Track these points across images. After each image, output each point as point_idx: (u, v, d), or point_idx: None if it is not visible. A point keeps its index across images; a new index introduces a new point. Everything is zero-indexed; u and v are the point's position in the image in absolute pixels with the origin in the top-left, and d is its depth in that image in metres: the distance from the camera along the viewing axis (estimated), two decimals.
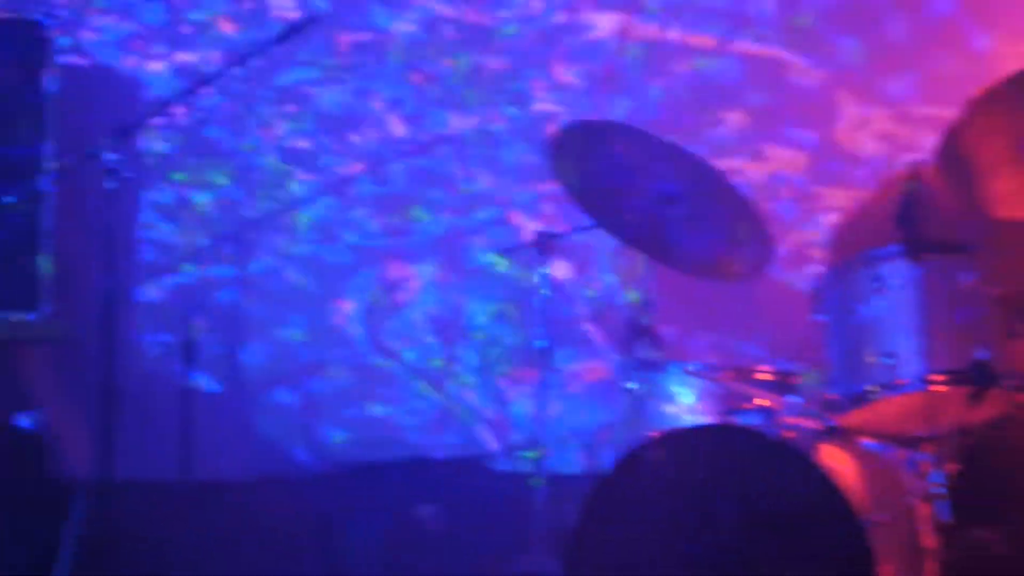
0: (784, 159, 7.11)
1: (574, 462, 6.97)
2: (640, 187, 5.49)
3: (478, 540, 6.47)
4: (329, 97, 7.17)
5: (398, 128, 7.21)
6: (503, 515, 6.39)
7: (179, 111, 6.92)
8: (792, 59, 7.17)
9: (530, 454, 5.65)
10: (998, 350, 4.88)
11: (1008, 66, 5.64)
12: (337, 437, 7.08)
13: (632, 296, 6.33)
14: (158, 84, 7.01)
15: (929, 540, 4.89)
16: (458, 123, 7.17)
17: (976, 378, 4.80)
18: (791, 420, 5.12)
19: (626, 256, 6.69)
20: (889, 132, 6.99)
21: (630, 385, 5.42)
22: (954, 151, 5.11)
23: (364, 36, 7.19)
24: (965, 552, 5.36)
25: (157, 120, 6.67)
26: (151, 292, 7.05)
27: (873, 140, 7.06)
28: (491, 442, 6.93)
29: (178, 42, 7.08)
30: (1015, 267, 5.50)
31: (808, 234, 6.92)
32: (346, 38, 7.17)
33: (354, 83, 7.18)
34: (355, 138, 7.19)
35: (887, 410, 4.93)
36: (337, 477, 6.90)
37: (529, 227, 6.74)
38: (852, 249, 5.84)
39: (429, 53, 7.18)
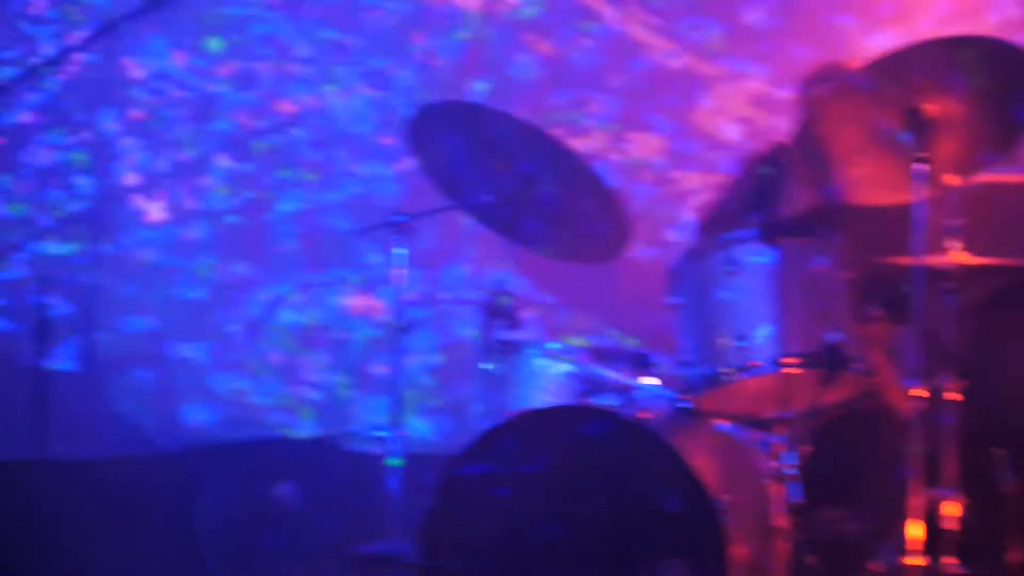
0: (643, 142, 7.15)
1: (431, 443, 6.97)
2: (499, 169, 5.48)
3: (334, 520, 6.44)
4: (186, 75, 7.11)
5: (257, 107, 7.16)
6: (359, 495, 6.37)
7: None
8: (653, 42, 7.21)
9: (387, 435, 5.62)
10: (850, 334, 4.94)
11: (865, 52, 5.73)
12: (194, 416, 7.02)
13: (491, 277, 6.35)
14: None
15: (781, 521, 4.94)
16: (317, 101, 7.13)
17: (828, 361, 4.85)
18: (647, 401, 5.14)
19: (485, 237, 6.69)
20: (747, 116, 7.05)
21: (488, 366, 5.42)
22: (810, 137, 5.16)
23: (224, 11, 7.14)
24: (816, 532, 5.43)
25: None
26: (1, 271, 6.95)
27: (731, 124, 7.12)
28: (348, 422, 6.91)
29: None
30: (868, 252, 5.58)
31: (666, 217, 6.97)
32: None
33: (212, 61, 7.12)
34: (212, 118, 7.13)
35: (741, 392, 4.97)
36: (193, 456, 6.85)
37: (388, 207, 6.72)
38: (708, 232, 5.90)
39: (291, 31, 7.14)
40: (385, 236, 5.62)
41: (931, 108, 4.98)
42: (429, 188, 5.71)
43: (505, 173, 5.48)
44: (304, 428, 7.09)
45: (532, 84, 7.18)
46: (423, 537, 4.98)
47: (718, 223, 5.88)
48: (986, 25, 6.87)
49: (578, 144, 5.88)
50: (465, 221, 6.29)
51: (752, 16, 7.11)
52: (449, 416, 7.08)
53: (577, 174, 5.44)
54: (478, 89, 7.09)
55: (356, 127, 7.18)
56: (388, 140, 7.07)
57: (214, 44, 7.21)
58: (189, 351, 7.08)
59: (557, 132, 5.67)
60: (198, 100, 7.17)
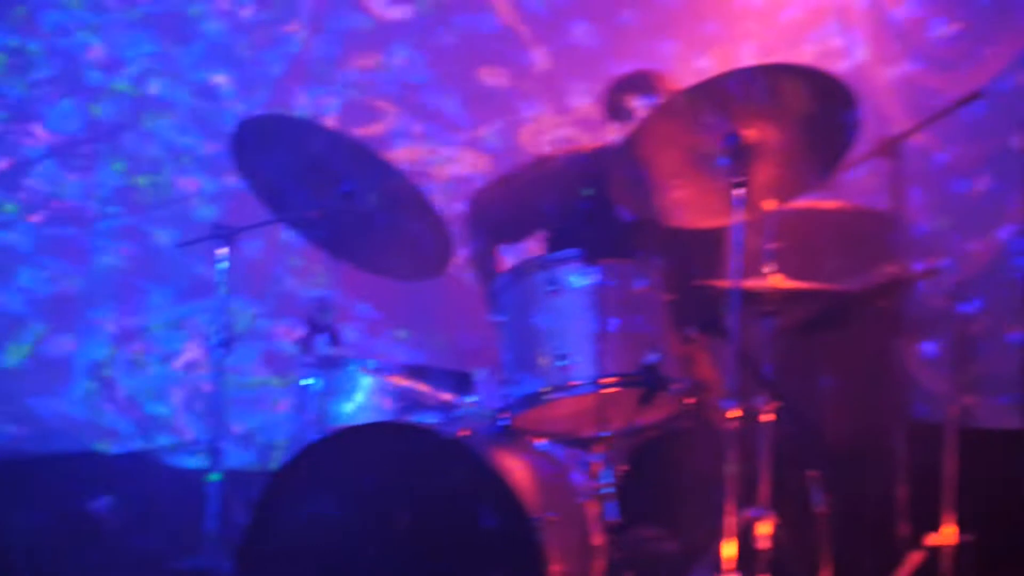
0: (467, 161, 7.18)
1: (249, 458, 6.92)
2: (323, 184, 5.46)
3: (150, 536, 6.37)
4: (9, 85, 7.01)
5: (83, 117, 7.08)
6: (176, 511, 6.31)
7: None
8: (480, 64, 7.26)
9: (206, 450, 5.57)
10: (668, 354, 4.99)
11: (688, 76, 5.80)
12: (6, 429, 6.91)
13: (313, 292, 6.33)
14: None
15: (598, 539, 4.98)
16: (145, 113, 7.07)
17: (646, 381, 4.90)
18: (466, 419, 5.16)
19: (309, 252, 6.68)
20: (570, 136, 7.11)
21: (308, 382, 5.40)
22: (631, 159, 5.20)
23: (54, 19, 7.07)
24: (633, 550, 5.49)
25: None
26: None
27: (553, 144, 7.19)
28: (166, 437, 6.83)
29: None
30: (687, 274, 5.65)
31: None
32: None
33: (39, 72, 7.03)
34: (36, 125, 7.04)
35: (560, 411, 5.00)
36: (5, 469, 6.73)
37: (211, 220, 6.68)
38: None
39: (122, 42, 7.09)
40: (208, 249, 5.58)
41: (749, 133, 5.05)
42: (253, 202, 5.67)
43: (329, 188, 5.46)
44: (122, 443, 7.00)
45: (358, 99, 7.18)
46: (240, 553, 4.94)
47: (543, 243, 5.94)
48: (806, 54, 7.01)
49: (402, 161, 5.88)
50: (288, 235, 6.25)
51: (578, 37, 7.18)
52: (268, 432, 7.04)
53: (401, 191, 5.43)
54: (303, 103, 7.08)
55: (181, 139, 7.12)
56: (212, 152, 7.03)
57: (32, 47, 7.12)
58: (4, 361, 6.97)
59: (381, 149, 5.67)
60: (15, 103, 7.08)
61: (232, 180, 6.42)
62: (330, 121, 6.99)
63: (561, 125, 7.19)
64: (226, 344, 5.57)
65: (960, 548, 5.55)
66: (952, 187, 6.76)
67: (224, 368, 5.58)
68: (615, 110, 6.01)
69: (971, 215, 6.74)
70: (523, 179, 6.20)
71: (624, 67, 6.72)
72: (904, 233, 6.11)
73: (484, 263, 5.97)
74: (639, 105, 5.91)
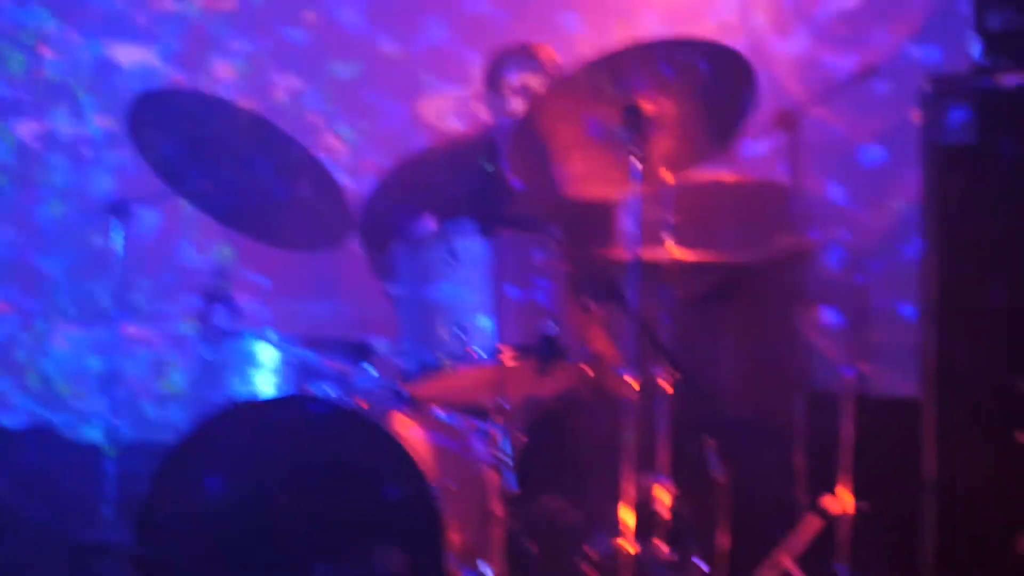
0: (368, 132, 7.17)
1: (148, 431, 6.89)
2: (221, 157, 5.43)
3: (49, 510, 6.32)
4: None
5: None
6: (76, 485, 6.27)
7: None
8: (380, 33, 7.23)
9: (104, 423, 5.54)
10: (567, 325, 5.01)
11: (590, 49, 5.83)
12: None
13: (211, 265, 6.30)
14: None
15: (497, 508, 5.00)
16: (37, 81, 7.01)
17: (544, 351, 4.91)
18: (365, 390, 5.16)
19: (206, 225, 6.64)
20: (471, 110, 7.10)
21: (206, 353, 5.38)
22: (530, 132, 5.21)
23: None
24: (532, 519, 5.51)
25: None
26: None
27: (456, 118, 7.18)
28: (64, 410, 6.78)
29: None
30: (585, 245, 5.67)
31: None
32: None
33: None
34: None
35: (459, 381, 5.01)
36: None
37: (109, 191, 6.64)
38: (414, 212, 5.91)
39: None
40: (104, 222, 5.53)
41: (648, 106, 5.08)
42: (149, 174, 5.62)
43: (226, 160, 5.43)
44: (20, 417, 6.94)
45: (256, 71, 7.14)
46: (139, 526, 4.91)
47: (440, 214, 5.93)
48: (705, 28, 7.04)
49: (301, 133, 5.84)
50: (186, 208, 6.21)
51: (480, 6, 7.17)
52: (167, 404, 7.00)
53: (299, 163, 5.41)
54: (202, 75, 7.04)
55: (76, 110, 7.06)
56: (108, 125, 6.98)
57: None
58: None
59: (280, 121, 5.64)
60: None
61: (128, 153, 6.36)
62: (228, 93, 6.94)
63: (460, 99, 7.18)
64: (123, 318, 5.53)
65: (856, 515, 5.62)
66: (850, 160, 6.83)
67: (122, 342, 5.55)
68: (495, 84, 6.06)
69: (868, 187, 6.81)
70: (425, 156, 6.21)
71: (527, 39, 6.75)
72: (802, 205, 6.16)
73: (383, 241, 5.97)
74: (519, 79, 5.95)
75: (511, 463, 5.03)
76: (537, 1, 7.14)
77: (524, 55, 6.03)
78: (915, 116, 5.38)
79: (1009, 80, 5.29)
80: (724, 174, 6.36)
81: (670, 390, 5.38)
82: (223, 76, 7.14)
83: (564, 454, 5.69)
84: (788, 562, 5.65)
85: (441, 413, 5.25)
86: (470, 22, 7.17)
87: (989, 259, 5.29)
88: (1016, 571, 4.90)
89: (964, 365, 5.30)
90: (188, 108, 5.39)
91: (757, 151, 6.62)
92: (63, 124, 7.09)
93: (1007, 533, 4.96)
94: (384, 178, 6.13)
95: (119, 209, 5.50)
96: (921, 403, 5.33)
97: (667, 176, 5.29)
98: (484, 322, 4.92)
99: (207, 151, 5.41)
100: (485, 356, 4.88)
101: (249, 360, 5.35)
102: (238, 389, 5.29)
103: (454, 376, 4.95)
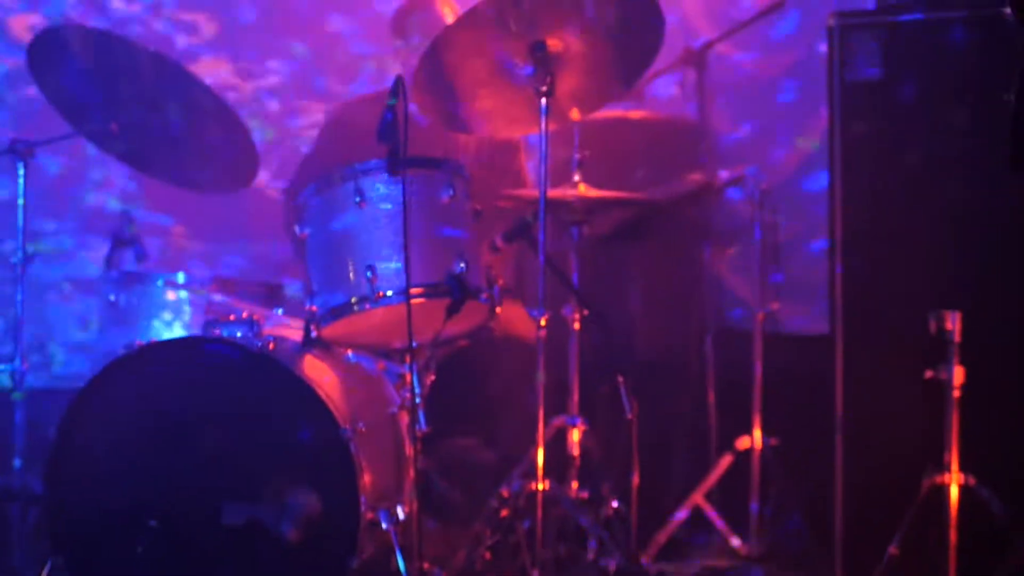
0: (274, 71, 7.11)
1: (57, 376, 6.83)
2: (125, 96, 5.37)
3: None
4: None
5: None
6: None
7: None
8: None
9: (11, 368, 5.47)
10: (475, 264, 4.99)
11: None
12: None
13: (117, 206, 6.23)
14: None
15: (409, 449, 4.99)
16: None
17: (453, 291, 4.89)
18: (274, 331, 5.12)
19: (112, 166, 6.57)
20: (377, 52, 7.06)
21: (115, 297, 5.33)
22: (436, 69, 5.18)
23: None
24: (445, 460, 5.53)
25: None
26: None
27: (367, 61, 7.13)
28: None
29: None
30: (493, 183, 5.66)
31: (296, 147, 6.94)
32: None
33: None
34: None
35: (368, 322, 4.98)
36: None
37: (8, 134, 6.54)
38: (328, 158, 5.89)
39: None
40: (5, 164, 5.46)
41: (554, 43, 5.06)
42: (52, 114, 5.55)
43: (131, 101, 5.36)
44: None
45: (165, 9, 7.07)
46: (47, 473, 4.87)
47: (337, 150, 5.90)
48: None
49: (206, 73, 5.78)
50: (90, 149, 6.13)
51: None
52: (76, 350, 6.94)
53: (205, 103, 5.35)
54: (107, 13, 6.96)
55: None
56: (9, 64, 6.88)
57: None
58: None
59: (185, 61, 5.59)
60: None
61: (30, 92, 6.28)
62: (133, 32, 6.86)
63: (367, 38, 7.13)
64: (27, 262, 5.46)
65: (766, 451, 5.67)
66: (758, 96, 6.83)
67: (26, 287, 5.48)
68: (400, 31, 6.07)
69: (776, 124, 6.82)
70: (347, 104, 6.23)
71: None
72: (710, 142, 6.17)
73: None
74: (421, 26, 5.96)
75: (422, 403, 5.02)
76: None
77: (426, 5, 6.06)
78: (823, 51, 5.40)
79: (914, 15, 5.31)
80: (632, 111, 6.35)
81: (580, 328, 5.39)
82: (129, 13, 7.05)
83: (475, 393, 5.70)
84: (700, 498, 5.69)
85: (352, 355, 5.22)
86: None
87: (896, 194, 5.33)
88: (923, 504, 4.96)
89: (872, 302, 5.34)
90: (92, 45, 5.31)
91: (665, 89, 6.61)
92: None
93: (915, 467, 5.01)
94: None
95: (20, 150, 5.42)
96: (831, 339, 5.38)
97: (575, 113, 5.28)
98: (393, 262, 4.89)
99: (112, 91, 5.35)
100: (394, 296, 4.86)
101: (158, 303, 5.31)
102: (147, 333, 5.25)
103: (364, 317, 4.93)
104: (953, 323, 4.93)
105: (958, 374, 4.92)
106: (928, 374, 4.95)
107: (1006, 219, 5.12)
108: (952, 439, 4.93)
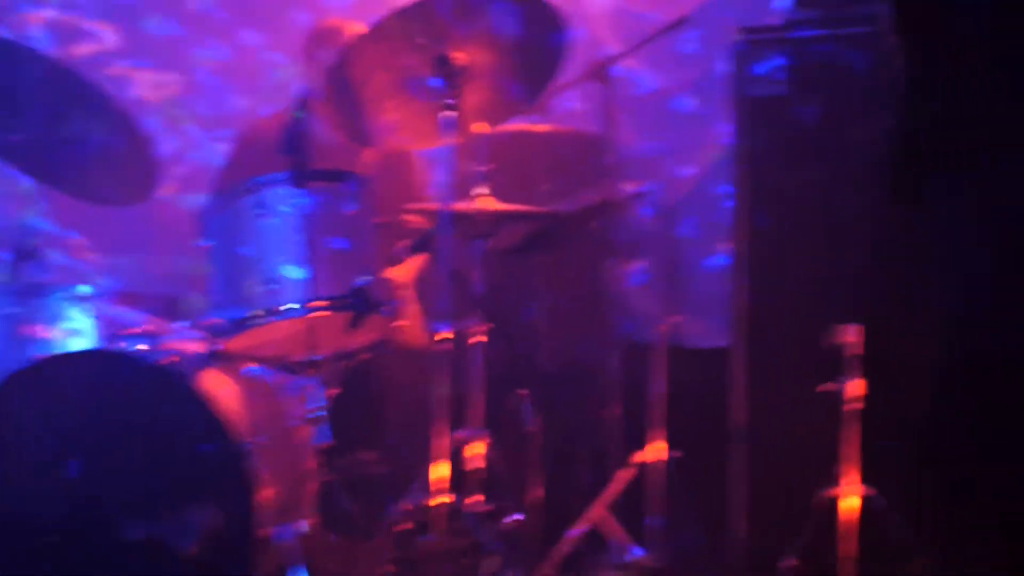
0: (179, 82, 7.07)
1: None
2: (27, 108, 5.32)
3: None
4: None
5: None
6: None
7: None
8: None
9: None
10: (379, 277, 4.99)
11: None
12: None
13: (17, 218, 6.16)
14: None
15: (310, 462, 4.97)
16: None
17: (356, 304, 4.88)
18: (175, 345, 5.09)
19: (13, 178, 6.50)
20: (289, 64, 7.04)
21: (13, 310, 5.27)
22: (342, 81, 5.17)
23: None
24: (346, 474, 5.51)
25: None
26: None
27: (273, 68, 7.11)
28: None
29: None
30: (398, 196, 5.66)
31: (200, 158, 6.91)
32: None
33: None
34: None
35: (270, 335, 4.96)
36: None
37: None
38: (239, 174, 5.86)
39: None
40: None
41: (460, 56, 5.07)
42: None
43: (32, 111, 5.31)
44: None
45: (67, 18, 7.00)
46: None
47: (249, 165, 5.87)
48: None
49: (114, 83, 5.74)
50: None
51: None
52: None
53: (109, 114, 5.32)
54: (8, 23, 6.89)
55: None
56: None
57: None
58: None
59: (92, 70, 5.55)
60: None
61: None
62: (37, 41, 6.80)
63: (281, 51, 7.12)
64: None
65: (668, 465, 5.69)
66: (662, 111, 6.87)
67: None
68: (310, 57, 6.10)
69: (681, 138, 6.86)
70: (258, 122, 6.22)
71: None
72: (615, 156, 6.19)
73: None
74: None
75: (324, 417, 5.01)
76: None
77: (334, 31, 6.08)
78: (723, 67, 5.45)
79: (817, 32, 5.37)
80: (537, 125, 6.37)
81: (483, 341, 5.39)
82: (32, 24, 6.99)
83: (378, 407, 5.69)
84: (601, 512, 5.70)
85: (253, 368, 5.20)
86: None
87: (797, 210, 5.38)
88: (821, 517, 5.00)
89: (773, 316, 5.39)
90: None
91: (571, 103, 6.63)
92: None
93: (815, 480, 5.06)
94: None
95: None
96: (731, 352, 5.42)
97: (480, 127, 5.29)
98: (296, 274, 4.87)
99: (11, 101, 5.29)
100: (297, 309, 4.84)
101: (58, 315, 5.26)
102: (46, 345, 5.20)
103: (266, 330, 4.91)
104: (851, 336, 4.98)
105: (854, 387, 4.98)
106: (824, 387, 5.00)
107: (907, 234, 5.17)
108: (848, 452, 4.98)
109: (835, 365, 5.00)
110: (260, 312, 4.87)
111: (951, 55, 3.43)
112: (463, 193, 5.31)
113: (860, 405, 4.98)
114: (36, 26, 7.00)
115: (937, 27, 3.44)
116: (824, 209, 5.32)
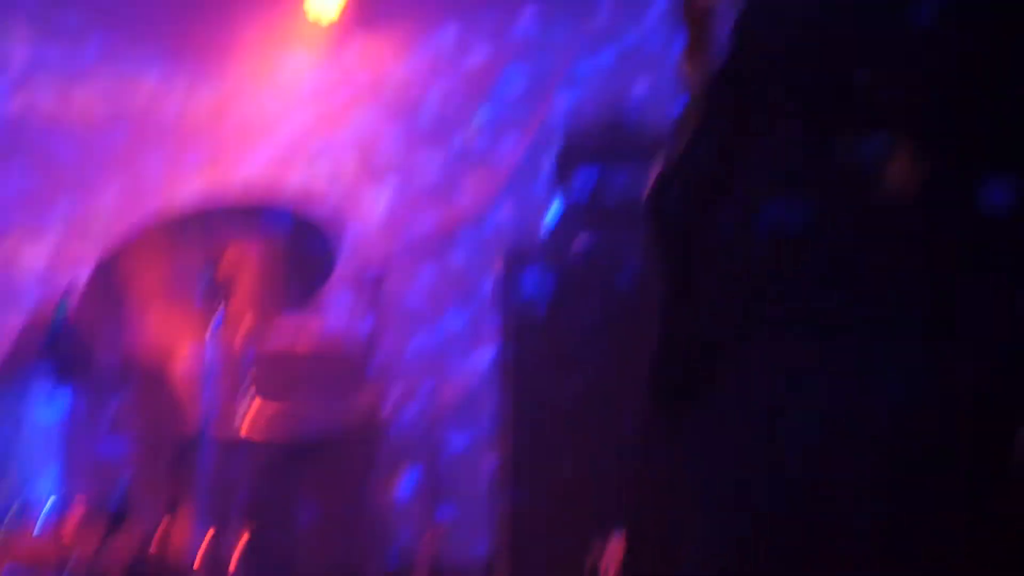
0: None
1: None
2: None
3: None
4: None
5: None
6: None
7: None
8: None
9: None
10: (139, 485, 4.89)
11: (173, 199, 5.76)
12: None
13: None
14: None
15: None
16: None
17: (112, 514, 4.77)
18: None
19: None
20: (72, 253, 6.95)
21: None
22: (108, 279, 5.10)
23: None
24: None
25: None
26: None
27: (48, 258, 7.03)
28: None
29: None
30: (159, 404, 5.56)
31: None
32: None
33: None
34: None
35: (18, 548, 4.81)
36: None
37: None
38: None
39: None
40: None
41: (226, 266, 5.03)
42: None
43: None
44: None
45: None
46: None
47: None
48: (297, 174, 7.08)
49: None
50: None
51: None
52: None
53: None
54: None
55: None
56: None
57: None
58: None
59: None
60: None
61: None
62: None
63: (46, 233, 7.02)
64: None
65: None
66: (433, 319, 6.91)
67: None
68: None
69: (452, 346, 6.89)
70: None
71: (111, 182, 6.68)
72: (383, 363, 6.19)
73: None
74: None
75: None
76: (122, 145, 7.05)
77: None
78: (492, 279, 5.50)
79: (582, 241, 5.43)
80: (302, 336, 6.32)
81: (244, 550, 5.30)
82: None
83: None
84: None
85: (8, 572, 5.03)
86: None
87: (564, 422, 5.40)
88: None
89: (538, 529, 5.37)
90: None
91: (340, 308, 6.63)
92: None
93: None
94: None
95: None
96: (494, 568, 5.39)
97: (245, 336, 5.25)
98: (50, 478, 4.75)
99: None
100: (47, 520, 4.71)
101: None
102: None
103: (11, 541, 4.76)
104: (610, 554, 4.99)
105: None
106: None
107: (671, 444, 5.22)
108: None
109: None
110: (6, 524, 4.72)
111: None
112: (229, 404, 5.26)
113: None
114: None
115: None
116: (589, 421, 5.34)
